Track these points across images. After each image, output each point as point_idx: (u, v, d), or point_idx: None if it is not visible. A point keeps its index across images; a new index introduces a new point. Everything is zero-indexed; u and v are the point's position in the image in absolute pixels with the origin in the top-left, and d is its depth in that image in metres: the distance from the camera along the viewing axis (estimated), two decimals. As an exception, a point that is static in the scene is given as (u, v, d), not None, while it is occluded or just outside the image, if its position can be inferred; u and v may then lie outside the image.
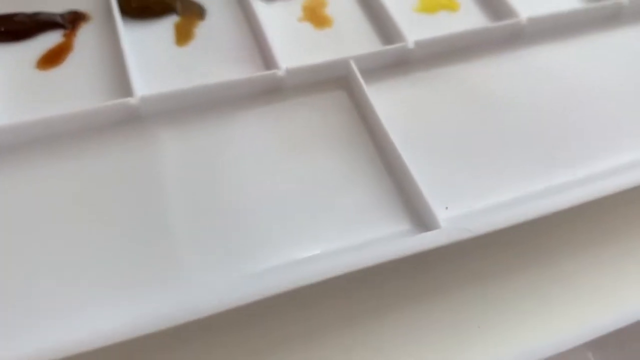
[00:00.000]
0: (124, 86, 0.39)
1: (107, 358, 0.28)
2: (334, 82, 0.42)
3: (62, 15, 0.44)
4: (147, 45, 0.42)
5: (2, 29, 0.42)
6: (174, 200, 0.35)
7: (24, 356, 0.26)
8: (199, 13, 0.45)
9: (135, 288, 0.31)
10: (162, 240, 0.33)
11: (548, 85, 0.43)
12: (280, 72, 0.40)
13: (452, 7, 0.47)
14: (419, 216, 0.35)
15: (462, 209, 0.36)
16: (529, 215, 0.33)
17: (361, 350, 0.31)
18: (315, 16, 0.46)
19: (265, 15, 0.45)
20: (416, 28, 0.44)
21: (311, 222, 0.35)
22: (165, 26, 0.44)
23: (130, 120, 0.38)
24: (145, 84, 0.39)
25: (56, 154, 0.36)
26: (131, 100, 0.37)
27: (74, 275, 0.31)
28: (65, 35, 0.43)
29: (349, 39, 0.45)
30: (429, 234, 0.32)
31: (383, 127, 0.38)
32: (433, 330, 0.32)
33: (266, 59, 0.42)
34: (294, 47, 0.43)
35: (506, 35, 0.45)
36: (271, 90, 0.41)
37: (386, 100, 0.41)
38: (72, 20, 0.44)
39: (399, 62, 0.43)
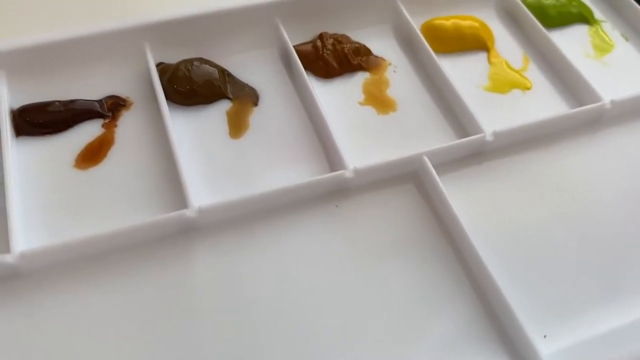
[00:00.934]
0: (176, 193, 0.35)
1: None
2: (404, 176, 0.38)
3: (100, 102, 0.40)
4: (197, 137, 0.39)
5: (35, 121, 0.38)
6: (251, 316, 0.31)
7: None
8: (253, 98, 0.41)
9: None
10: None
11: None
12: (348, 173, 0.36)
13: (524, 86, 0.43)
14: (515, 348, 0.31)
15: (565, 339, 0.31)
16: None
17: None
18: (378, 99, 0.41)
19: (323, 98, 0.41)
20: (489, 113, 0.41)
21: (388, 351, 0.30)
22: (217, 114, 0.40)
23: (186, 231, 0.34)
24: (200, 190, 0.35)
25: (100, 271, 0.32)
26: (187, 213, 0.33)
27: None
28: (104, 125, 0.39)
29: (415, 125, 0.41)
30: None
31: (462, 230, 0.34)
32: None
33: (330, 157, 0.38)
34: (357, 137, 0.39)
35: (588, 120, 0.41)
36: (335, 191, 0.36)
37: (461, 196, 0.37)
38: (111, 107, 0.40)
39: (477, 153, 0.39)
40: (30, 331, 0.30)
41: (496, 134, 0.38)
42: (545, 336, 0.32)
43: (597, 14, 0.50)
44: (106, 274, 0.32)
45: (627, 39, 0.48)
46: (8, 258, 0.31)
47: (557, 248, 0.36)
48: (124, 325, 0.30)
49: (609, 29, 0.49)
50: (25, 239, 0.33)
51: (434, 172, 0.36)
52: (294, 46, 0.42)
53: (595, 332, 0.32)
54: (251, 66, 0.43)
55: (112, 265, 0.33)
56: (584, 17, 0.48)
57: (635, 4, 0.48)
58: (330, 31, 0.44)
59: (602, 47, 0.47)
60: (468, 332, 0.32)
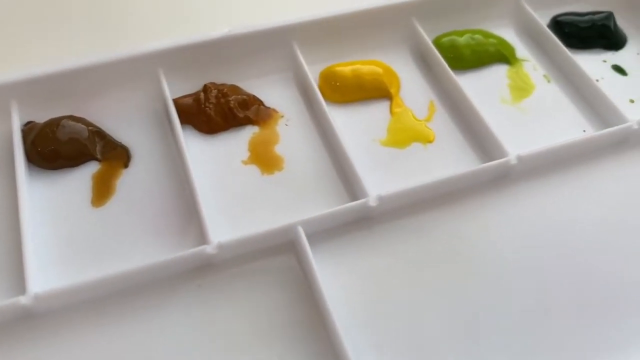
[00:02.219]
0: (17, 276, 0.32)
1: None
2: (281, 247, 0.34)
3: (-43, 168, 0.36)
4: (54, 206, 0.35)
5: None
6: None
7: None
8: (124, 159, 0.37)
9: None
10: None
11: (545, 236, 0.36)
12: (210, 249, 0.32)
13: (425, 139, 0.40)
14: None
15: None
16: None
17: None
18: (264, 157, 0.38)
19: (203, 157, 0.38)
20: (383, 172, 0.37)
21: None
22: (82, 177, 0.37)
23: (21, 320, 0.30)
24: (46, 270, 0.32)
25: None
26: (22, 300, 0.30)
27: None
28: (-41, 194, 0.35)
29: (299, 188, 0.37)
30: None
31: (332, 319, 0.30)
32: None
33: (198, 227, 0.34)
34: (234, 201, 0.36)
35: (491, 178, 0.38)
36: (199, 267, 0.33)
37: (340, 272, 0.34)
38: (-31, 173, 0.36)
39: (359, 219, 0.35)
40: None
41: (381, 198, 0.35)
42: None
43: (521, 52, 0.46)
44: None
45: (549, 81, 0.44)
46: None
47: (442, 330, 0.32)
48: None
49: (531, 69, 0.45)
50: None
51: (306, 244, 0.33)
52: (173, 99, 0.39)
53: None
54: (128, 123, 0.40)
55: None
56: (504, 57, 0.45)
57: (558, 41, 0.45)
58: (219, 81, 0.41)
59: (521, 90, 0.43)
60: None
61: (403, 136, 0.39)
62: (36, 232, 0.34)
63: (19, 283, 0.31)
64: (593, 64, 0.46)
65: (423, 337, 0.32)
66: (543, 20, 0.47)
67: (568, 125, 0.42)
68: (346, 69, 0.42)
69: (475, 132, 0.40)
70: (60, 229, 0.34)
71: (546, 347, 0.32)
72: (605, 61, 0.46)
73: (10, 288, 0.32)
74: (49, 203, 0.35)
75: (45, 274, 0.32)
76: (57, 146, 0.37)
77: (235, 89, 0.41)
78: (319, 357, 0.31)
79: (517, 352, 0.31)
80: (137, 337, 0.31)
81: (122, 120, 0.40)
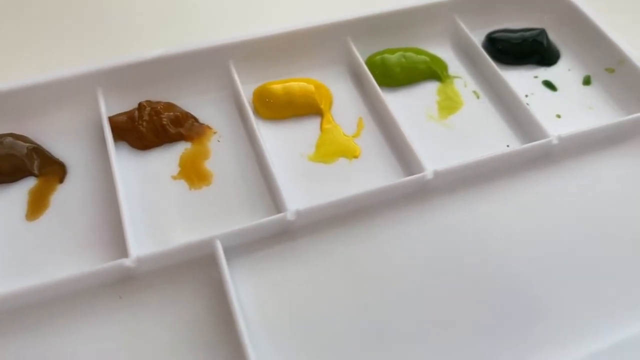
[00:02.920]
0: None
1: None
2: (200, 261, 0.36)
3: None
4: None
5: None
6: None
7: None
8: (60, 174, 0.39)
9: None
10: None
11: (459, 250, 0.37)
12: (129, 262, 0.34)
13: (351, 154, 0.41)
14: None
15: None
16: None
17: None
18: (193, 172, 0.40)
19: (134, 172, 0.39)
20: (304, 188, 0.39)
21: None
22: (19, 192, 0.39)
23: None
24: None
25: None
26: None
27: None
28: None
29: (225, 202, 0.39)
30: None
31: (241, 333, 0.32)
32: None
33: (119, 240, 0.36)
34: (159, 216, 0.38)
35: (411, 191, 0.39)
36: (119, 280, 0.35)
37: (255, 286, 0.35)
38: None
39: (280, 232, 0.37)
40: None
41: (299, 213, 0.36)
42: None
43: (455, 69, 0.48)
44: None
45: (478, 97, 0.46)
46: None
47: (353, 339, 0.33)
48: None
49: (462, 85, 0.46)
50: None
51: (223, 258, 0.35)
52: (108, 117, 0.41)
53: None
54: (67, 140, 0.41)
55: None
56: (435, 74, 0.46)
57: (489, 58, 0.46)
58: (156, 99, 0.43)
59: (448, 107, 0.45)
60: None
61: (330, 151, 0.41)
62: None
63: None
64: (524, 80, 0.47)
65: (332, 347, 0.33)
66: (478, 38, 0.49)
67: (493, 140, 0.43)
68: (278, 87, 0.43)
69: (398, 148, 0.42)
70: (-7, 243, 0.36)
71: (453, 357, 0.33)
72: (536, 77, 0.48)
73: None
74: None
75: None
76: (-4, 163, 0.39)
77: (170, 107, 0.42)
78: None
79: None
80: (58, 346, 0.33)
81: (61, 137, 0.41)
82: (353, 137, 0.42)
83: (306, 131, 0.43)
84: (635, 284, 0.36)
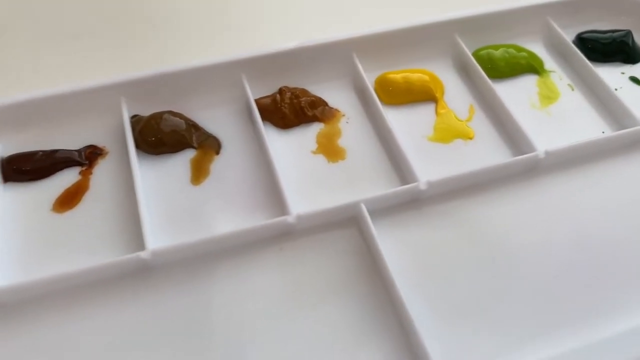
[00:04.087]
0: (136, 236, 0.39)
1: None
2: (345, 221, 0.41)
3: (79, 152, 0.45)
4: (161, 184, 0.43)
5: (21, 169, 0.43)
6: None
7: None
8: (215, 147, 0.45)
9: None
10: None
11: (565, 223, 0.42)
12: (291, 219, 0.40)
13: (466, 135, 0.47)
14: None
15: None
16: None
17: None
18: (329, 148, 0.46)
19: (279, 147, 0.45)
20: (430, 162, 0.44)
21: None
22: (181, 162, 0.45)
23: (141, 271, 0.38)
24: (158, 233, 0.40)
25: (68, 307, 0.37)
26: (142, 255, 0.38)
27: None
28: (81, 173, 0.44)
29: (360, 173, 0.44)
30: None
31: (389, 275, 0.37)
32: None
33: (279, 202, 0.42)
34: (306, 184, 0.43)
35: (521, 170, 0.44)
36: (281, 235, 0.40)
37: (396, 243, 0.41)
38: (89, 156, 0.44)
39: (412, 200, 0.43)
40: None
41: (430, 183, 0.42)
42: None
43: (549, 64, 0.53)
44: (72, 307, 0.37)
45: (572, 89, 0.51)
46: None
47: (482, 295, 0.39)
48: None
49: (557, 79, 0.52)
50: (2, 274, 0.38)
51: (368, 218, 0.40)
52: (255, 100, 0.47)
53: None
54: (219, 119, 0.47)
55: (76, 300, 0.37)
56: (533, 68, 0.52)
57: (582, 55, 0.52)
58: (292, 85, 0.49)
59: (548, 97, 0.50)
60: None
61: (447, 133, 0.47)
62: (148, 203, 0.41)
63: (138, 242, 0.39)
64: (612, 75, 0.52)
65: (465, 299, 0.38)
66: (568, 37, 0.54)
67: (589, 127, 0.48)
68: (398, 76, 0.49)
69: (508, 131, 0.47)
70: (167, 202, 0.42)
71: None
72: (623, 73, 0.53)
73: (130, 246, 0.39)
74: (156, 181, 0.43)
75: (157, 236, 0.40)
76: (162, 136, 0.45)
77: (304, 92, 0.48)
78: (374, 305, 0.37)
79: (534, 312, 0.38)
80: (230, 291, 0.38)
81: (211, 116, 0.47)
82: (466, 121, 0.48)
83: (423, 116, 0.49)
84: None
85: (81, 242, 0.40)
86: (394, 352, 0.36)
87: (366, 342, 0.36)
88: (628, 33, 0.54)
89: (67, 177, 0.44)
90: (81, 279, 0.37)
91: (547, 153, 0.44)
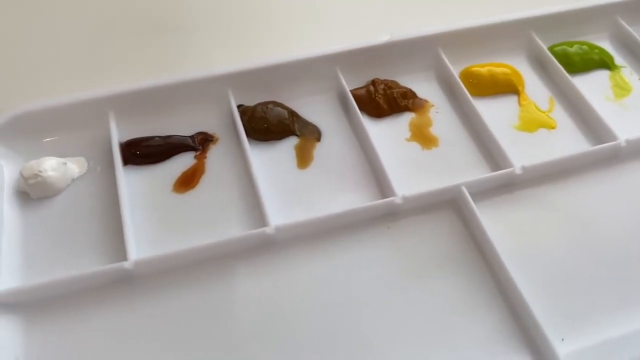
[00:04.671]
0: (258, 213, 0.43)
1: None
2: (444, 204, 0.45)
3: (192, 137, 0.48)
4: (271, 168, 0.46)
5: (140, 153, 0.46)
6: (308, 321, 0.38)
7: None
8: (316, 135, 0.48)
9: None
10: None
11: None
12: (397, 200, 0.43)
13: (549, 125, 0.50)
14: (537, 349, 0.37)
15: (580, 342, 0.38)
16: None
17: None
18: (423, 136, 0.49)
19: (375, 134, 0.48)
20: (519, 149, 0.47)
21: (429, 352, 0.37)
22: (286, 148, 0.48)
23: (264, 247, 0.41)
24: (279, 211, 0.43)
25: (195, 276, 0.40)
26: (267, 231, 0.41)
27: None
28: (196, 157, 0.47)
29: (455, 159, 0.48)
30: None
31: (495, 249, 0.40)
32: None
33: (382, 185, 0.45)
34: (405, 168, 0.47)
35: (605, 157, 0.48)
36: (386, 215, 0.44)
37: (494, 221, 0.43)
38: (201, 142, 0.48)
39: (507, 184, 0.46)
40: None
41: (524, 168, 0.45)
42: (562, 339, 0.38)
43: (618, 60, 0.56)
44: (197, 279, 0.40)
45: (644, 83, 0.54)
46: (126, 265, 0.39)
47: (575, 267, 0.42)
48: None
49: (628, 74, 0.55)
50: (136, 249, 0.41)
51: (471, 200, 0.43)
52: (350, 90, 0.50)
53: (607, 337, 0.38)
54: (315, 108, 0.51)
55: (202, 271, 0.40)
56: (605, 63, 0.55)
57: (651, 51, 0.55)
58: (382, 77, 0.52)
59: (621, 91, 0.53)
60: (498, 336, 0.39)
61: (532, 123, 0.50)
62: (263, 185, 0.44)
63: (260, 218, 0.42)
64: (682, 72, 0.55)
65: (561, 268, 0.42)
66: (638, 32, 0.57)
67: (663, 117, 0.52)
68: (483, 69, 0.52)
69: (588, 121, 0.50)
70: (280, 184, 0.45)
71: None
72: (688, 69, 0.56)
73: (253, 222, 0.43)
74: (267, 166, 0.46)
75: (276, 214, 0.43)
76: (268, 125, 0.48)
77: (395, 84, 0.52)
78: (478, 278, 0.41)
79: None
80: (343, 265, 0.41)
81: (309, 107, 0.51)
82: (548, 112, 0.51)
83: (506, 107, 0.52)
84: None
85: (204, 219, 0.43)
86: (500, 320, 0.39)
87: (473, 311, 0.39)
88: (695, 30, 0.57)
89: (183, 161, 0.47)
90: (218, 249, 0.40)
91: (627, 142, 0.47)
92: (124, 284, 0.40)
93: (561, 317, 0.39)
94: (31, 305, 0.38)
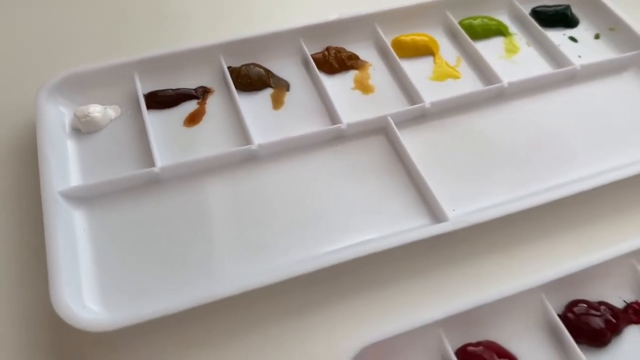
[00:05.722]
0: (245, 137, 0.61)
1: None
2: (377, 130, 0.63)
3: (195, 90, 0.66)
4: (255, 110, 0.65)
5: (157, 100, 0.65)
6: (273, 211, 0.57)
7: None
8: (286, 87, 0.67)
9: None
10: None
11: (522, 128, 0.64)
12: (343, 126, 0.62)
13: (455, 76, 0.69)
14: (436, 215, 0.56)
15: (464, 209, 0.57)
16: (499, 213, 0.54)
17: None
18: (363, 86, 0.68)
19: (329, 85, 0.67)
20: (431, 92, 0.66)
21: (362, 222, 0.56)
22: (264, 96, 0.66)
23: (251, 159, 0.60)
24: (260, 136, 0.61)
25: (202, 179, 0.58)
26: (252, 147, 0.59)
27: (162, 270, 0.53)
28: (199, 104, 0.65)
29: (386, 100, 0.66)
30: (441, 225, 0.54)
31: (411, 159, 0.59)
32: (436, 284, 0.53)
33: (333, 117, 0.63)
34: (350, 107, 0.65)
35: (493, 95, 0.67)
36: (336, 137, 0.62)
37: (412, 142, 0.62)
38: (202, 93, 0.66)
39: (420, 115, 0.65)
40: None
41: (432, 103, 0.64)
42: (454, 210, 0.57)
43: (512, 29, 0.75)
44: (205, 181, 0.59)
45: (529, 45, 0.73)
46: (155, 169, 0.58)
47: (467, 168, 0.60)
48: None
49: (518, 39, 0.74)
50: (160, 160, 0.59)
51: (395, 126, 0.62)
52: (310, 55, 0.69)
53: (484, 205, 0.57)
54: (285, 67, 0.69)
55: (208, 175, 0.59)
56: (501, 31, 0.74)
57: (535, 22, 0.74)
58: (334, 45, 0.71)
59: (511, 51, 0.72)
60: (411, 210, 0.57)
61: (443, 75, 0.69)
62: (248, 120, 0.63)
63: (247, 139, 0.61)
64: (557, 36, 0.74)
65: (461, 166, 0.60)
66: (526, 10, 0.76)
67: (540, 69, 0.70)
68: (407, 38, 0.71)
69: (483, 71, 0.69)
70: (263, 120, 0.64)
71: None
72: (564, 34, 0.75)
73: (241, 142, 0.61)
74: (250, 108, 0.65)
75: (259, 137, 0.61)
76: (251, 80, 0.66)
77: (343, 49, 0.70)
78: (399, 179, 0.59)
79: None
80: (306, 171, 0.60)
81: (281, 67, 0.69)
82: (455, 67, 0.70)
83: (425, 64, 0.70)
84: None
85: (206, 143, 0.61)
86: (414, 201, 0.58)
87: (394, 197, 0.58)
88: (567, 7, 0.76)
89: (189, 106, 0.65)
90: (219, 160, 0.59)
91: (509, 83, 0.66)
92: (153, 184, 0.58)
93: (454, 198, 0.58)
94: (92, 197, 0.56)
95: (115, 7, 0.78)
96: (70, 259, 0.50)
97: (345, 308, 0.51)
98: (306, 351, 0.48)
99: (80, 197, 0.56)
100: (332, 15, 0.71)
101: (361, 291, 0.52)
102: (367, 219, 0.56)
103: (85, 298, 0.49)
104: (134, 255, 0.52)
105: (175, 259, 0.52)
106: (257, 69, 0.68)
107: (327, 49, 0.70)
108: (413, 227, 0.55)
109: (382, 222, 0.55)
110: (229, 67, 0.67)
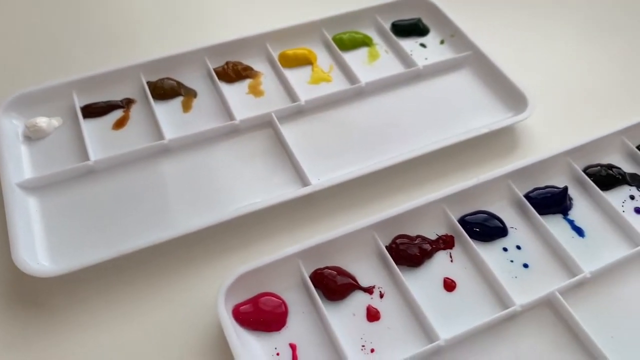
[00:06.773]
0: (160, 135, 0.79)
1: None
2: (264, 124, 0.82)
3: (121, 101, 0.84)
4: (167, 113, 0.83)
5: (91, 110, 0.83)
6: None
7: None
8: (194, 94, 0.86)
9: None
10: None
11: (376, 117, 0.84)
12: (236, 122, 0.81)
13: (328, 80, 0.89)
14: (304, 183, 0.75)
15: (327, 177, 0.76)
16: (345, 177, 0.73)
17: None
18: (256, 91, 0.87)
19: (228, 92, 0.85)
20: (308, 93, 0.86)
21: (252, 192, 0.75)
22: (176, 102, 0.85)
23: (165, 151, 0.78)
24: (173, 133, 0.80)
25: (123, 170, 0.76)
26: (164, 142, 0.78)
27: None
28: (124, 112, 0.83)
29: (273, 101, 0.85)
30: (305, 188, 0.73)
31: (289, 146, 0.78)
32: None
33: (230, 116, 0.82)
34: (244, 108, 0.84)
35: (354, 93, 0.87)
36: (232, 131, 0.81)
37: (291, 132, 0.81)
38: (127, 103, 0.84)
39: (298, 111, 0.84)
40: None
41: (307, 101, 0.83)
42: (319, 179, 0.76)
43: (375, 39, 0.96)
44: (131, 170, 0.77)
45: (387, 52, 0.93)
46: (90, 163, 0.76)
47: (335, 146, 0.80)
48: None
49: (380, 48, 0.94)
50: (94, 155, 0.77)
51: (277, 121, 0.81)
52: (213, 68, 0.88)
53: (345, 172, 0.76)
54: (192, 80, 0.87)
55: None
56: (366, 43, 0.94)
57: (392, 33, 0.94)
58: (232, 60, 0.90)
59: (373, 57, 0.92)
60: (287, 182, 0.77)
61: (317, 79, 0.88)
62: (162, 120, 0.81)
63: (160, 135, 0.79)
64: (410, 44, 0.95)
65: (326, 145, 0.80)
66: (386, 25, 0.97)
67: (394, 70, 0.90)
68: (290, 52, 0.91)
69: (348, 74, 0.89)
70: (170, 120, 0.82)
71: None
72: (416, 42, 0.96)
73: (155, 139, 0.79)
74: (164, 111, 0.83)
75: (171, 133, 0.79)
76: (164, 90, 0.85)
77: (239, 63, 0.89)
78: (282, 166, 0.78)
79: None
80: (203, 158, 0.79)
81: (189, 79, 0.87)
82: (328, 72, 0.90)
83: (304, 72, 0.90)
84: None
85: (130, 141, 0.79)
86: (291, 177, 0.77)
87: (275, 174, 0.77)
88: (419, 19, 0.97)
89: (117, 114, 0.83)
90: (135, 154, 0.77)
91: (366, 84, 0.86)
92: (89, 173, 0.76)
93: (321, 171, 0.76)
94: (41, 187, 0.74)
95: (50, 34, 0.96)
96: (26, 231, 0.68)
97: (227, 248, 0.69)
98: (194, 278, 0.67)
99: (32, 187, 0.73)
100: (231, 36, 0.90)
101: (245, 235, 0.70)
102: (256, 189, 0.74)
103: (38, 257, 0.66)
104: (75, 227, 0.70)
105: (105, 228, 0.70)
106: (170, 81, 0.86)
107: (227, 63, 0.89)
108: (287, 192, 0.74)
109: (266, 191, 0.74)
110: (147, 82, 0.86)
